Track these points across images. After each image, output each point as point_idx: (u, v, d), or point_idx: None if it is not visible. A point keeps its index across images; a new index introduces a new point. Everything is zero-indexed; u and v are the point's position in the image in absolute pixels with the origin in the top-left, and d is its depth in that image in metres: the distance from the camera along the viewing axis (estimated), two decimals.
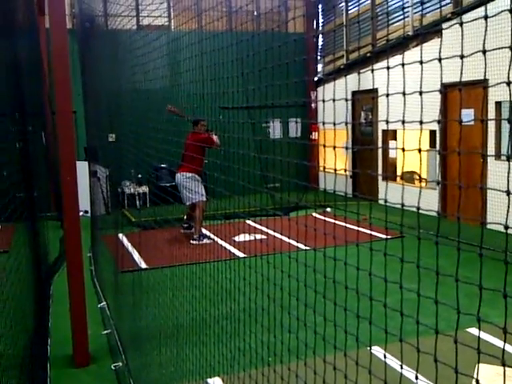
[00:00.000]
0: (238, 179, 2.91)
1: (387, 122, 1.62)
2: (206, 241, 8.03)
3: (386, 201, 1.59)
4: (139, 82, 4.60)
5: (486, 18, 1.24)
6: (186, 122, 7.94)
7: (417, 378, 1.48)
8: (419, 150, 1.52)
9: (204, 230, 8.29)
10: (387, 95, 1.61)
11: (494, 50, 1.35)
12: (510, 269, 1.18)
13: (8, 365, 2.86)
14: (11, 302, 2.89)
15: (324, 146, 1.99)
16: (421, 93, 1.48)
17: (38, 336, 4.40)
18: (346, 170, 2.00)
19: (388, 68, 1.61)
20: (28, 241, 4.52)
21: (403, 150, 1.58)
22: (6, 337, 2.68)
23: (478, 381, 1.19)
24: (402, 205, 1.65)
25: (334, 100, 1.92)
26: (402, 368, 1.59)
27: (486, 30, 1.18)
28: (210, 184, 7.87)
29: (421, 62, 1.45)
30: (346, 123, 1.81)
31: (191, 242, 8.13)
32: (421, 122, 1.46)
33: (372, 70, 1.79)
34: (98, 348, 4.67)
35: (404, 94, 1.55)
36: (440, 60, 1.43)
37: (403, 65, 1.60)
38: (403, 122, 1.55)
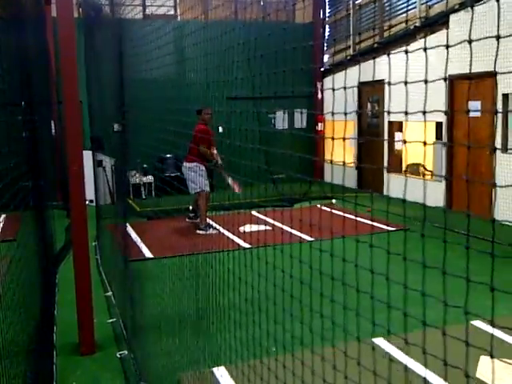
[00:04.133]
0: (244, 170, 2.91)
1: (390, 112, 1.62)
2: (211, 231, 8.07)
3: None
4: (146, 71, 4.61)
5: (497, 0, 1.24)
6: (190, 112, 8.03)
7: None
8: (424, 143, 1.53)
9: (209, 221, 8.34)
10: (390, 84, 1.61)
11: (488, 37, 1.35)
12: None
13: (16, 351, 2.90)
14: (20, 289, 2.92)
15: (333, 138, 2.00)
16: (426, 81, 1.48)
17: (45, 324, 4.45)
18: (344, 163, 2.01)
19: (405, 52, 1.61)
20: (35, 229, 4.55)
21: (404, 141, 1.59)
22: (16, 324, 2.71)
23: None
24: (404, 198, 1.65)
25: (344, 88, 1.92)
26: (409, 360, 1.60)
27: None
28: (216, 175, 7.95)
29: (424, 49, 1.45)
30: (346, 114, 1.82)
31: (197, 231, 8.19)
32: (424, 113, 1.46)
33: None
34: (103, 336, 4.72)
35: (405, 83, 1.55)
36: (448, 46, 1.43)
37: (406, 52, 1.60)
38: (406, 113, 1.55)
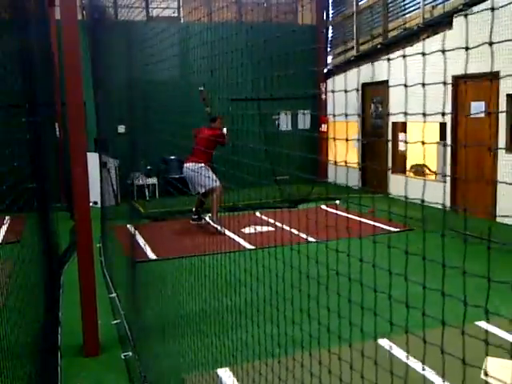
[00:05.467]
0: (247, 172, 2.91)
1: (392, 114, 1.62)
2: (220, 229, 8.14)
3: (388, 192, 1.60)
4: (150, 73, 4.61)
5: (492, 9, 1.24)
6: (191, 114, 8.22)
7: (424, 369, 1.49)
8: (423, 143, 1.53)
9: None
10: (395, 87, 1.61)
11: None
12: None
13: (21, 353, 2.90)
14: (24, 291, 2.93)
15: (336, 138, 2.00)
16: (424, 85, 1.48)
17: (49, 325, 4.45)
18: (346, 162, 2.01)
19: (404, 56, 1.61)
20: (39, 231, 4.56)
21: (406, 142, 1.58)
22: (20, 325, 2.71)
23: (486, 372, 1.20)
24: (406, 197, 1.65)
25: (346, 91, 1.92)
26: (408, 359, 1.60)
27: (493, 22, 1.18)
28: (219, 176, 7.99)
29: (423, 54, 1.44)
30: (346, 115, 1.82)
31: (209, 221, 8.44)
32: (424, 114, 1.46)
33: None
34: (107, 338, 4.72)
35: (406, 85, 1.55)
36: (443, 51, 1.42)
37: (404, 56, 1.60)
38: (406, 113, 1.55)
